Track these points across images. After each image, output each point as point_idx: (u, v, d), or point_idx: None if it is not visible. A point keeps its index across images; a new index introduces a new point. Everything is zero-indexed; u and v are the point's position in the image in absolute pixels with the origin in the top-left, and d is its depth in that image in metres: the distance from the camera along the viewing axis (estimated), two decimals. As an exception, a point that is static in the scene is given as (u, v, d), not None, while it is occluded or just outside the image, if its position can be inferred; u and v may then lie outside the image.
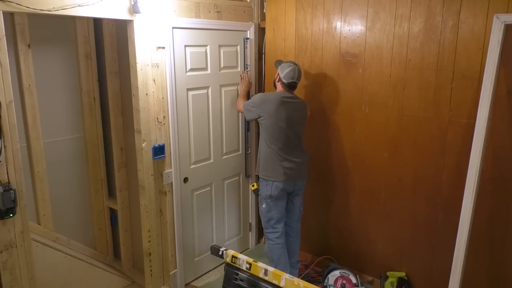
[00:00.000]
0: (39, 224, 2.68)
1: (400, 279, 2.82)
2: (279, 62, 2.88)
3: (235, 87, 3.21)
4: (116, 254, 3.24)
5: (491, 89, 2.09)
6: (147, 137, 2.58)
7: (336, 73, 2.94)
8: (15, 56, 2.40)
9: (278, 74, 2.78)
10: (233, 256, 1.81)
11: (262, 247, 3.47)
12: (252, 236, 3.65)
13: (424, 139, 2.61)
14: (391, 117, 2.73)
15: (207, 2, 2.83)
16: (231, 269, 1.80)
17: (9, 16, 2.32)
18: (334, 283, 2.96)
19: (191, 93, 2.86)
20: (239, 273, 1.77)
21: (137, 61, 2.44)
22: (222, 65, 3.07)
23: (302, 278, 2.76)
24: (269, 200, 2.78)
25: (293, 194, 2.87)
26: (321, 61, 3.01)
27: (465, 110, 2.42)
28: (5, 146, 1.89)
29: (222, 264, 3.14)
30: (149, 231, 2.73)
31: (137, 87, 2.48)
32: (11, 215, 1.94)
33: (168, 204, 2.81)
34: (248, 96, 3.18)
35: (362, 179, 2.97)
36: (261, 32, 3.35)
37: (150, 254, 2.76)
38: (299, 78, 2.77)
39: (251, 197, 3.55)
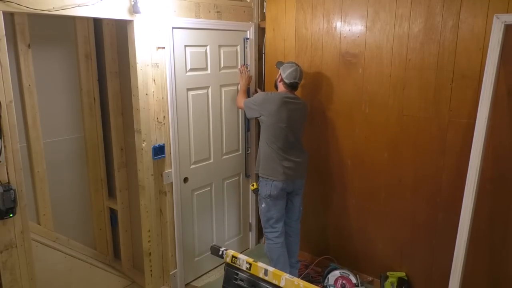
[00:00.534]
0: (39, 224, 2.68)
1: (400, 279, 2.82)
2: (280, 63, 2.90)
3: (235, 87, 3.21)
4: (116, 254, 3.24)
5: (491, 89, 2.09)
6: (147, 137, 2.58)
7: (336, 73, 2.95)
8: (15, 56, 2.39)
9: (280, 74, 2.79)
10: (233, 256, 1.82)
11: (262, 247, 3.46)
12: (252, 236, 3.65)
13: (424, 139, 2.61)
14: (391, 117, 2.74)
15: (207, 2, 2.83)
16: (231, 269, 1.81)
17: (9, 16, 2.32)
18: (334, 283, 2.96)
19: (191, 93, 2.86)
20: (239, 273, 1.77)
21: (137, 61, 2.44)
22: (222, 65, 3.07)
23: (302, 278, 2.76)
24: (268, 199, 2.78)
25: (293, 193, 2.88)
26: (321, 61, 3.01)
27: (465, 110, 2.42)
28: (5, 146, 1.89)
29: (222, 264, 3.14)
30: (149, 231, 2.73)
31: (137, 87, 2.48)
32: (11, 215, 1.94)
33: (168, 204, 2.81)
34: (248, 92, 3.17)
35: (362, 179, 2.97)
36: (261, 32, 3.35)
37: (150, 254, 2.76)
38: (301, 78, 2.78)
39: (251, 197, 3.55)
